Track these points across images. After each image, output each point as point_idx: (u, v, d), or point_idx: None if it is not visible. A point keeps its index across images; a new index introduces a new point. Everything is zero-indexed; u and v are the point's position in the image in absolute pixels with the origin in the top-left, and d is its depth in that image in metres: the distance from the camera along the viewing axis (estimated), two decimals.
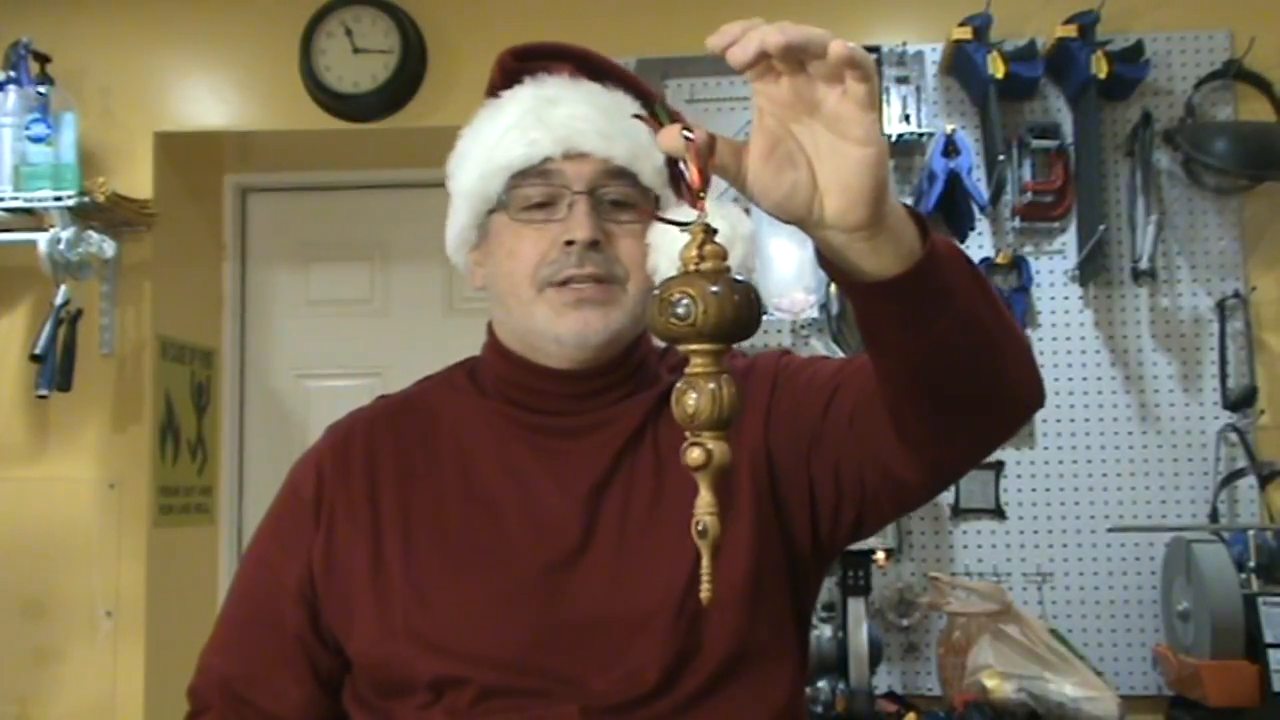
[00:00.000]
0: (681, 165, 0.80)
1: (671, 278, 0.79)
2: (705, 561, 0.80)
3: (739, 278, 0.79)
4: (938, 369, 0.92)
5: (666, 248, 1.14)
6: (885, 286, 0.85)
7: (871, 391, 1.02)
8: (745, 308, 0.78)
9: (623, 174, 1.16)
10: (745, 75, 0.79)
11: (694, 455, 0.79)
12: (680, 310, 0.77)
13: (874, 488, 1.09)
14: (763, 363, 1.18)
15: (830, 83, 0.78)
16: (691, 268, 0.79)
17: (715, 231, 0.80)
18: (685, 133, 0.79)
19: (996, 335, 0.93)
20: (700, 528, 0.79)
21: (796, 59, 0.77)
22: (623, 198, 1.17)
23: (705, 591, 0.79)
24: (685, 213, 1.13)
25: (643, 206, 1.17)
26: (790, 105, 0.80)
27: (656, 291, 0.79)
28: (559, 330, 1.14)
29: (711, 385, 0.78)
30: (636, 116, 1.16)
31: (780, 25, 0.76)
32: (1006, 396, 0.97)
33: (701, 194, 0.79)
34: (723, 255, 0.79)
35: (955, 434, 0.99)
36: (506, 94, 1.20)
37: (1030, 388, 0.99)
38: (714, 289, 0.77)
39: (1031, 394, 0.99)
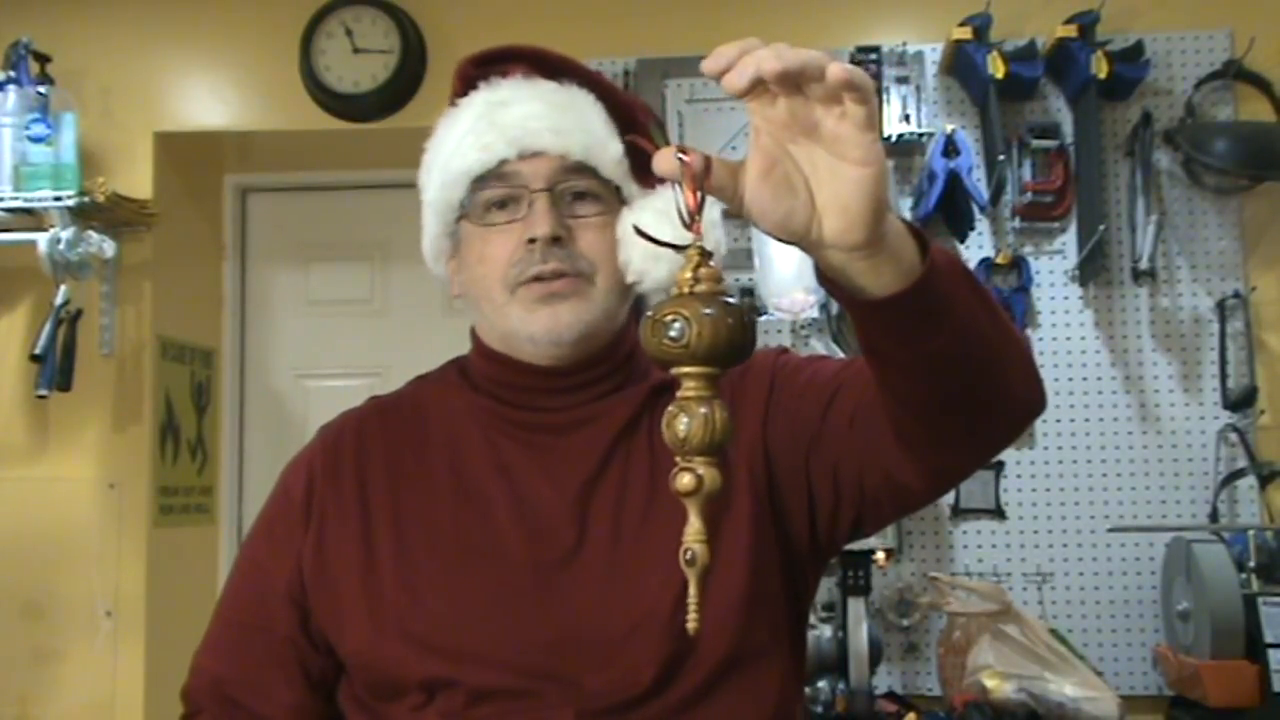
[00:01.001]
0: (676, 188, 0.79)
1: (665, 300, 0.78)
2: (692, 590, 0.79)
3: (733, 301, 0.78)
4: (939, 381, 0.92)
5: (637, 241, 1.14)
6: (885, 304, 0.85)
7: (871, 398, 1.02)
8: (739, 331, 0.77)
9: (581, 168, 1.17)
10: (739, 98, 0.78)
11: (684, 481, 0.78)
12: (673, 332, 0.76)
13: (874, 490, 1.08)
14: (759, 361, 1.18)
15: (828, 104, 0.77)
16: (686, 289, 0.78)
17: (711, 255, 0.79)
18: (680, 155, 0.78)
19: (997, 345, 0.93)
20: (689, 556, 0.78)
21: (793, 83, 0.76)
22: (583, 190, 1.17)
23: (692, 621, 0.79)
24: (658, 199, 1.13)
25: (606, 197, 1.18)
26: (787, 126, 0.79)
27: (650, 313, 0.78)
28: (532, 329, 1.15)
29: (703, 409, 0.77)
30: (631, 139, 1.17)
31: (776, 50, 0.75)
32: (1008, 404, 0.97)
33: (697, 217, 0.79)
34: (718, 278, 0.79)
35: (957, 441, 0.99)
36: (462, 101, 1.22)
37: (1031, 394, 0.99)
38: (708, 311, 0.76)
39: (1033, 400, 0.99)
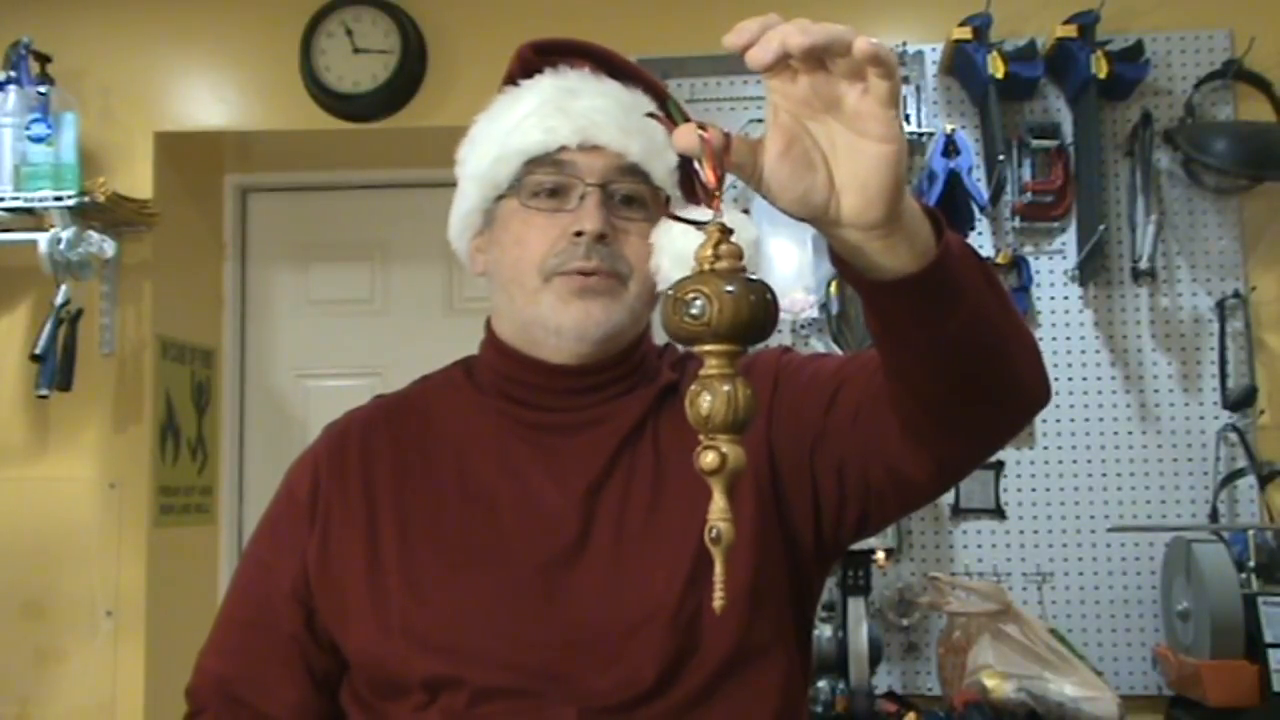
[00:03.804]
0: (696, 165, 0.78)
1: (686, 277, 0.78)
2: (719, 568, 0.78)
3: (754, 277, 0.78)
4: (950, 366, 0.91)
5: (670, 248, 1.13)
6: (900, 285, 0.84)
7: (877, 389, 1.01)
8: (761, 308, 0.77)
9: (635, 171, 1.16)
10: (761, 74, 0.77)
11: (708, 459, 0.77)
12: (695, 309, 0.76)
13: (879, 486, 1.08)
14: (763, 360, 1.18)
15: (851, 80, 0.77)
16: (707, 267, 0.77)
17: (731, 231, 0.79)
18: (700, 132, 0.77)
19: (1007, 332, 0.93)
20: (714, 534, 0.78)
21: (818, 58, 0.76)
22: (633, 194, 1.17)
23: (719, 600, 0.78)
24: (700, 212, 1.13)
25: (652, 205, 1.17)
26: (807, 103, 0.79)
27: (670, 291, 0.78)
28: (561, 320, 1.14)
29: (726, 387, 0.76)
30: (651, 115, 1.16)
31: (801, 25, 0.74)
32: (1015, 393, 0.97)
33: (717, 193, 0.78)
34: (739, 255, 0.78)
35: (963, 430, 0.99)
36: (526, 83, 1.20)
37: (1037, 384, 0.99)
38: (729, 288, 0.76)
39: (1038, 390, 0.99)
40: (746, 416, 0.77)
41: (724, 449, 0.77)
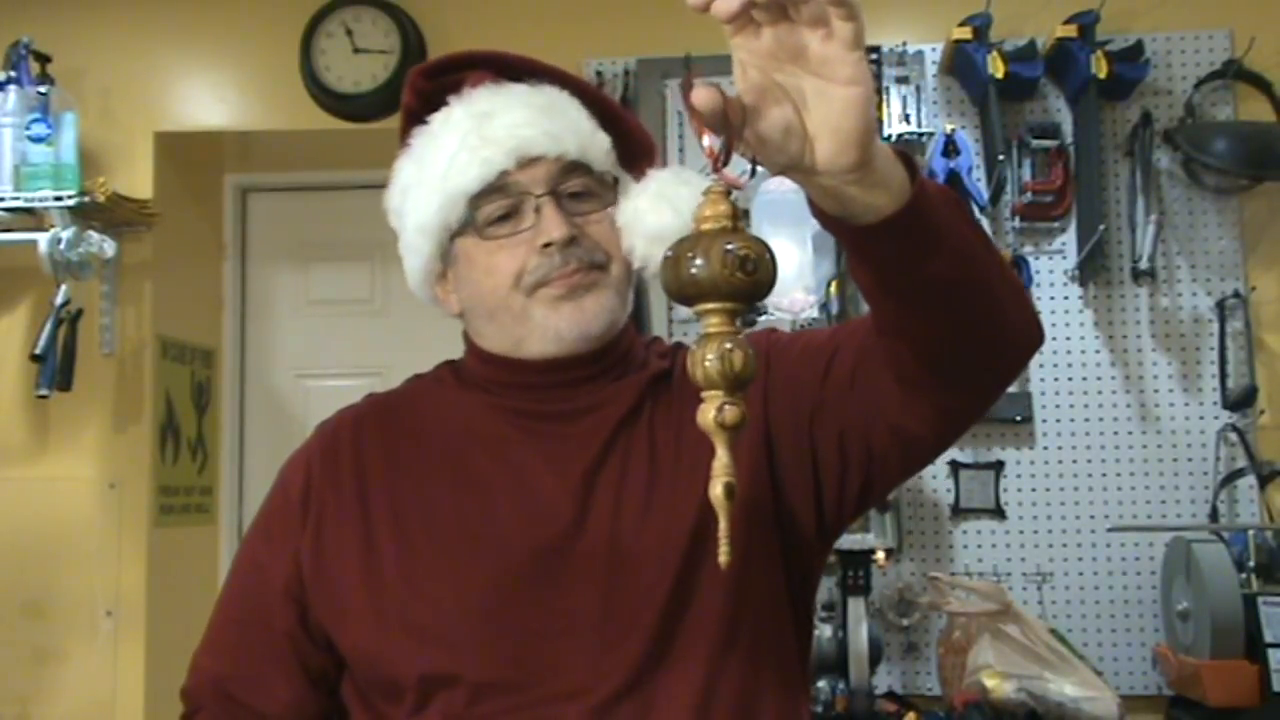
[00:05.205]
0: (705, 128, 0.80)
1: (712, 231, 0.80)
2: (723, 524, 0.80)
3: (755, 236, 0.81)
4: (937, 309, 0.92)
5: (639, 227, 1.14)
6: (880, 227, 0.86)
7: (871, 349, 1.02)
8: (776, 265, 0.80)
9: (577, 166, 1.17)
10: (725, 29, 0.78)
11: (735, 414, 0.79)
12: (749, 266, 0.78)
13: (882, 448, 1.09)
14: (754, 341, 1.18)
15: (814, 26, 0.78)
16: (727, 224, 0.80)
17: (729, 192, 0.81)
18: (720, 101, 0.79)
19: (991, 272, 0.94)
20: (725, 489, 0.80)
21: (779, 6, 0.77)
22: (582, 189, 1.17)
23: (724, 555, 0.80)
24: (668, 218, 1.14)
25: (603, 191, 1.18)
26: (773, 55, 0.79)
27: (674, 251, 0.79)
28: (558, 325, 1.14)
29: (730, 344, 0.79)
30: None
31: None
32: (1005, 332, 0.98)
33: (725, 158, 0.80)
34: (739, 215, 0.81)
35: (959, 377, 0.99)
36: (438, 118, 1.19)
37: (1027, 323, 1.00)
38: (764, 243, 0.79)
39: (1029, 330, 1.00)
40: (755, 371, 0.81)
41: (740, 404, 0.80)
